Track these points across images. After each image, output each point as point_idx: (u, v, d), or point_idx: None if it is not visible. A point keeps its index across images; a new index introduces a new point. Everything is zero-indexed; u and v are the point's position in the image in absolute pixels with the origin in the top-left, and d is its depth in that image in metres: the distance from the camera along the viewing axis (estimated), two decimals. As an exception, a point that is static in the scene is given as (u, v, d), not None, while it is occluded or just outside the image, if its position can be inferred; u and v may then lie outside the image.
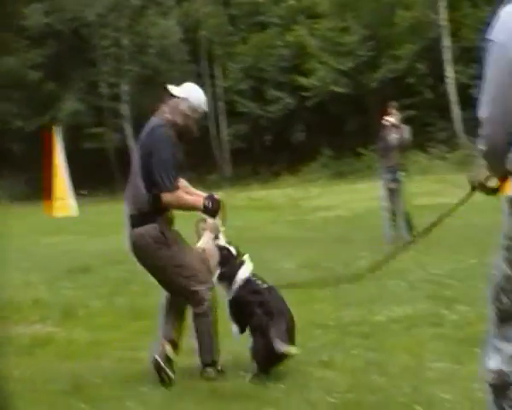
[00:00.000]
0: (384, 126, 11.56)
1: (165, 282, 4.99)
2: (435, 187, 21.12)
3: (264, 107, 35.71)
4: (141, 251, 4.90)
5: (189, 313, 5.03)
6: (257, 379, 4.80)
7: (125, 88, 37.88)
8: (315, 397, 4.46)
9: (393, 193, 11.47)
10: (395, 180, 11.43)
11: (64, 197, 25.91)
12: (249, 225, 15.80)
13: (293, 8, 36.41)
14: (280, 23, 36.60)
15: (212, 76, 38.27)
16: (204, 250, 5.02)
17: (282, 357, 4.84)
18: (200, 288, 4.89)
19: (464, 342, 5.34)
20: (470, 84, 28.66)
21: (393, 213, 11.51)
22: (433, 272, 8.48)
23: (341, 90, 32.07)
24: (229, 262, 5.02)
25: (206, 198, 4.97)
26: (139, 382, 5.05)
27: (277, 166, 34.37)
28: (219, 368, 5.02)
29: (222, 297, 5.09)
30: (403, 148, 11.43)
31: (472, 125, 25.26)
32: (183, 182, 5.08)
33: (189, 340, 5.08)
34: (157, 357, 4.90)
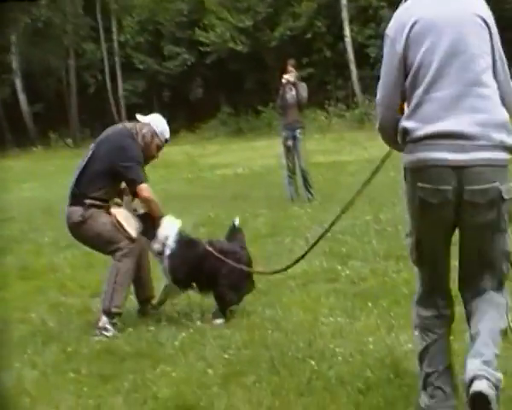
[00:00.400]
0: (282, 84, 11.57)
1: (94, 247, 5.55)
2: (333, 145, 21.42)
3: (161, 62, 35.07)
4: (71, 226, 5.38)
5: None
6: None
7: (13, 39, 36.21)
8: (210, 354, 4.46)
9: (291, 150, 11.54)
10: (293, 138, 11.48)
11: None
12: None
13: (191, -40, 35.71)
14: (177, -24, 35.84)
15: (108, 30, 37.16)
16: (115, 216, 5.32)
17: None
18: (117, 245, 5.23)
19: (358, 296, 5.46)
20: (367, 44, 29.22)
21: (292, 171, 11.59)
22: (329, 228, 8.59)
23: (240, 48, 31.88)
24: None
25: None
26: (28, 343, 4.93)
27: (176, 124, 33.72)
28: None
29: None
30: (300, 106, 11.48)
31: (368, 84, 25.83)
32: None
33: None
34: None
